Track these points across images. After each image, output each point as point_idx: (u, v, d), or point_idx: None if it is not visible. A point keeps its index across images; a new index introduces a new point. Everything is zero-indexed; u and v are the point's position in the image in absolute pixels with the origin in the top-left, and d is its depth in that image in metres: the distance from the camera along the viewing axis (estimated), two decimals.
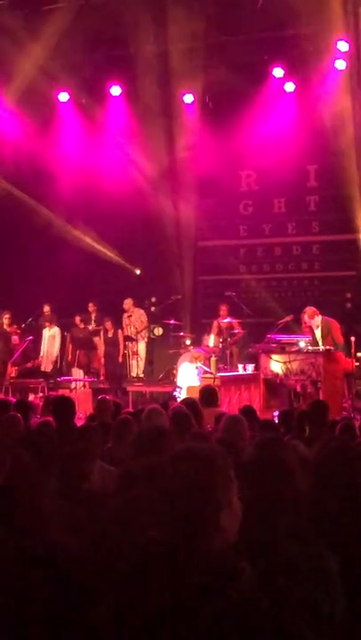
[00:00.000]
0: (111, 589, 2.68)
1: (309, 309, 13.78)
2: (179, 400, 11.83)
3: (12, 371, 15.53)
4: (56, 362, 16.55)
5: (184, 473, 2.74)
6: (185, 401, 8.88)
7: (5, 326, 16.10)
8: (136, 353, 16.62)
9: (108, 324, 16.65)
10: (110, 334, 16.70)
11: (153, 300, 17.58)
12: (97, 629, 2.65)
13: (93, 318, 17.09)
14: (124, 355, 16.64)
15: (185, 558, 2.59)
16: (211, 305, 17.08)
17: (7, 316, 16.11)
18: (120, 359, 16.64)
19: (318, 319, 13.59)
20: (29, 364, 15.90)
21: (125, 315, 16.95)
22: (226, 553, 2.69)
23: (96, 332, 16.78)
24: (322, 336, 13.43)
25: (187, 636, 2.42)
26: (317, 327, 13.55)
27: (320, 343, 13.34)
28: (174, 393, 12.71)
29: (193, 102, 17.41)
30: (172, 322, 16.24)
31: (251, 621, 2.39)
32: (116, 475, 2.89)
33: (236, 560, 2.62)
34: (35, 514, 3.34)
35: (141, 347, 16.74)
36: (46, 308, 16.70)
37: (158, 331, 16.54)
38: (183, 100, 17.31)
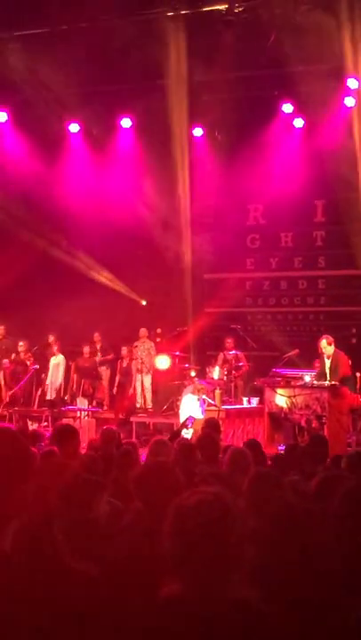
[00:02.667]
0: None
1: (329, 337, 13.76)
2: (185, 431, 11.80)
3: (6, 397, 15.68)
4: (60, 390, 16.55)
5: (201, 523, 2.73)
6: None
7: (21, 354, 16.28)
8: (141, 384, 16.63)
9: (125, 353, 16.67)
10: (125, 364, 16.72)
11: (158, 331, 17.60)
12: None
13: (99, 348, 17.12)
14: (134, 386, 16.68)
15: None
16: (216, 337, 17.09)
17: (22, 343, 16.32)
18: (131, 390, 16.64)
19: (332, 349, 13.57)
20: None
21: (134, 344, 16.93)
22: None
23: (105, 362, 16.83)
24: (330, 367, 13.40)
25: None
26: (329, 357, 13.52)
27: (328, 374, 13.30)
28: (187, 423, 12.64)
29: (202, 136, 17.55)
30: (177, 353, 16.23)
31: None
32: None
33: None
34: None
35: (147, 379, 16.73)
36: (51, 338, 16.74)
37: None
38: (193, 134, 17.44)
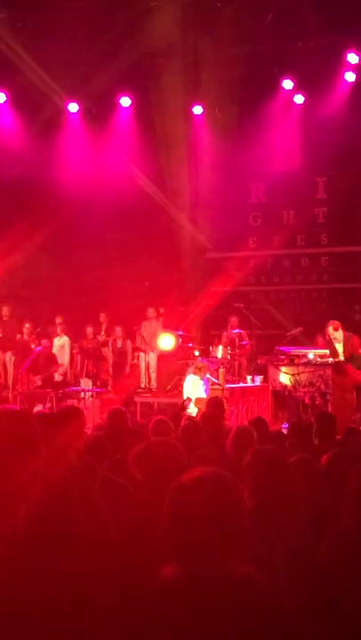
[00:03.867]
0: None
1: (335, 322, 13.75)
2: (189, 411, 11.83)
3: (37, 379, 15.59)
4: (66, 372, 16.55)
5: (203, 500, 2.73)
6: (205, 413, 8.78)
7: (25, 335, 16.29)
8: (147, 364, 16.63)
9: (119, 334, 16.64)
10: (119, 345, 16.70)
11: (162, 310, 17.58)
12: None
13: (104, 329, 17.09)
14: (131, 365, 16.63)
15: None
16: (220, 316, 17.07)
17: (27, 325, 16.34)
18: (127, 369, 16.62)
19: (341, 333, 13.57)
20: (54, 371, 15.90)
21: (143, 324, 16.89)
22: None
23: (105, 343, 16.79)
24: (344, 350, 13.41)
25: None
26: (340, 342, 13.51)
27: (340, 356, 13.32)
28: (186, 403, 12.67)
29: (202, 114, 17.46)
30: (181, 333, 16.22)
31: None
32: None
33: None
34: None
35: (152, 358, 16.72)
36: (59, 319, 16.72)
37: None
38: (193, 112, 17.35)
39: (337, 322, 13.75)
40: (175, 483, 2.84)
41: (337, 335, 13.55)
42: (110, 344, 16.70)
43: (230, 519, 2.71)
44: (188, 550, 2.68)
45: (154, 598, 2.70)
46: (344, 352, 13.36)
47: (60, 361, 16.36)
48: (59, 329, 16.64)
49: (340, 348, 13.46)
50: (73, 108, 17.39)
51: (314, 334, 14.84)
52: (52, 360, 15.95)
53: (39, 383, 15.41)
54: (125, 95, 17.22)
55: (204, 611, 2.57)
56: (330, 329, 13.64)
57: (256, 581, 2.68)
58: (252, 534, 3.11)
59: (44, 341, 16.08)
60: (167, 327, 16.80)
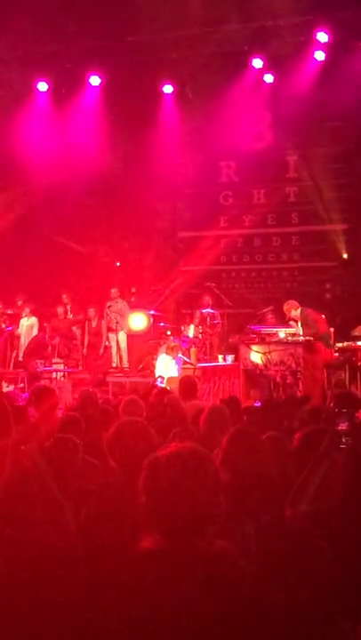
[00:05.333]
0: None
1: (287, 303, 13.87)
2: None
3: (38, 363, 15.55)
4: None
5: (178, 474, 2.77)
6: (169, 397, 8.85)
7: None
8: (118, 344, 16.61)
9: (92, 314, 16.60)
10: (94, 324, 16.67)
11: (133, 290, 17.57)
12: None
13: (69, 309, 16.99)
14: (105, 346, 16.62)
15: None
16: (192, 296, 17.10)
17: None
18: (102, 350, 16.61)
19: (298, 312, 13.68)
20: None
21: (107, 304, 16.87)
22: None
23: (76, 322, 16.73)
24: (304, 330, 13.52)
25: None
26: (298, 321, 13.65)
27: (301, 334, 13.43)
28: (157, 383, 12.70)
29: (172, 93, 17.38)
30: (152, 312, 16.23)
31: None
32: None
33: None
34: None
35: (122, 337, 16.69)
36: (20, 302, 16.64)
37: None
38: (163, 91, 17.28)
39: (290, 302, 13.88)
40: (151, 457, 2.87)
41: (295, 314, 13.69)
42: (86, 325, 16.69)
43: (207, 493, 2.75)
44: (165, 525, 2.71)
45: (130, 572, 2.74)
46: (305, 332, 13.45)
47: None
48: (26, 310, 16.53)
49: (299, 326, 13.60)
50: (42, 86, 17.24)
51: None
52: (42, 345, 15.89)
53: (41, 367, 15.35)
54: (95, 74, 17.08)
55: (181, 584, 2.61)
56: (285, 309, 13.79)
57: (232, 555, 2.72)
58: (226, 510, 3.15)
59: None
60: (138, 307, 16.79)
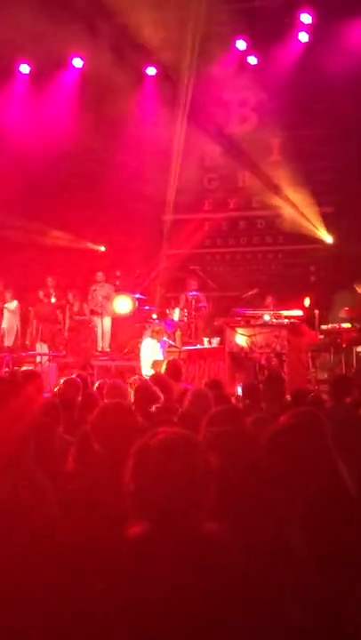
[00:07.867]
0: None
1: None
2: (143, 374, 11.85)
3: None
4: (17, 336, 16.42)
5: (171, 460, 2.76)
6: (153, 377, 8.86)
7: None
8: (102, 327, 16.56)
9: (73, 298, 16.55)
10: (76, 308, 16.62)
11: (118, 274, 17.52)
12: None
13: (53, 293, 16.89)
14: (89, 329, 16.57)
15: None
16: (176, 279, 17.07)
17: None
18: (85, 333, 16.56)
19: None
20: None
21: (92, 288, 16.81)
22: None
23: (59, 306, 16.67)
24: None
25: None
26: None
27: None
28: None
29: (156, 74, 17.30)
30: (137, 296, 16.20)
31: None
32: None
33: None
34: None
35: (107, 321, 16.65)
36: (2, 283, 16.55)
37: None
38: (146, 73, 17.19)
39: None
40: (140, 443, 2.85)
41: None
42: (68, 308, 16.61)
43: (197, 477, 2.74)
44: (155, 510, 2.70)
45: (121, 557, 2.73)
46: None
47: (12, 325, 16.28)
48: (8, 294, 16.44)
49: None
50: (25, 68, 17.13)
51: (264, 296, 14.94)
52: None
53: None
54: (77, 56, 16.97)
55: (172, 568, 2.60)
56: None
57: (223, 539, 2.72)
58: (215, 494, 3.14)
59: None
60: (123, 290, 16.74)
